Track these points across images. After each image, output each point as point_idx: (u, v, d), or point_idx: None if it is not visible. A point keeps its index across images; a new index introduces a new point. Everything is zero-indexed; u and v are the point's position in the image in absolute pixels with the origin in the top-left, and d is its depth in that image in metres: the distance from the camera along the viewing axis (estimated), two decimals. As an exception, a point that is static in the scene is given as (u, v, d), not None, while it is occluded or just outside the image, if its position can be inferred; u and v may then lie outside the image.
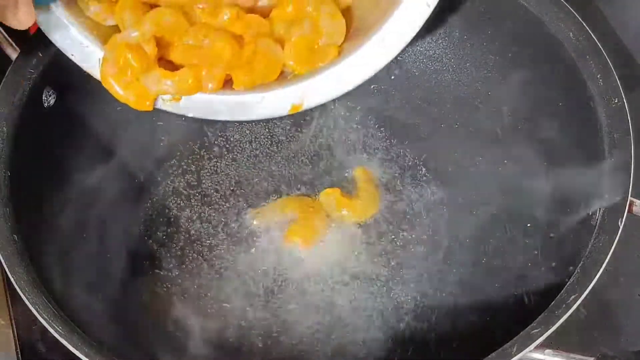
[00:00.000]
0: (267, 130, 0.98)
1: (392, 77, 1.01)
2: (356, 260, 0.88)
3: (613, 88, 0.76)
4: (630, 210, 0.70)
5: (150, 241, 0.91)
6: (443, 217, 0.91)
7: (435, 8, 0.69)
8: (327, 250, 0.88)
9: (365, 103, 0.99)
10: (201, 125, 0.98)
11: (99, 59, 0.70)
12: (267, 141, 0.98)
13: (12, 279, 0.67)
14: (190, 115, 0.72)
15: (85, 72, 0.78)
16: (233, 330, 0.84)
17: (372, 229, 0.90)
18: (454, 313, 0.84)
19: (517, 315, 0.76)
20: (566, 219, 0.79)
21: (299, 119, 0.99)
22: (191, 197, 0.94)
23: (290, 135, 0.98)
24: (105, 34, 0.71)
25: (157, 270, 0.88)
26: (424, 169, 0.95)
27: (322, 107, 0.79)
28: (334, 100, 0.72)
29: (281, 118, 0.98)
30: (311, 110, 0.73)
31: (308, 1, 0.71)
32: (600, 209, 0.71)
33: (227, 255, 0.89)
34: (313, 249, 0.88)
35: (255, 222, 0.90)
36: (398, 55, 0.69)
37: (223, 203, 0.93)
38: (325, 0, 0.71)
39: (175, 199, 0.94)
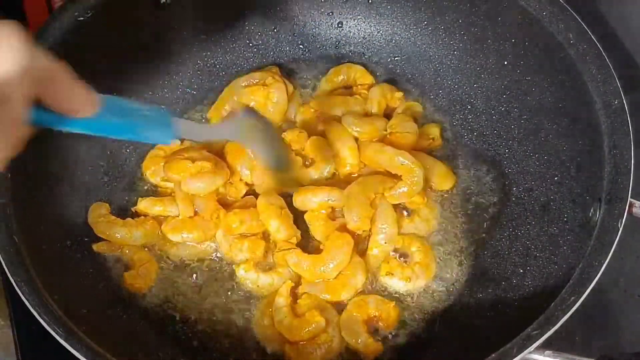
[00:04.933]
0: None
1: (393, 79, 1.01)
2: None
3: (613, 89, 0.76)
4: (630, 211, 0.70)
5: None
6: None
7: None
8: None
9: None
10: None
11: None
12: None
13: (12, 280, 0.67)
14: None
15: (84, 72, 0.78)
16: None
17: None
18: (454, 314, 0.84)
19: (517, 315, 0.76)
20: (566, 219, 0.80)
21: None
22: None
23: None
24: None
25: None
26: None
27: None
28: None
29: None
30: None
31: None
32: (600, 209, 0.71)
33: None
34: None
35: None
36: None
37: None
38: None
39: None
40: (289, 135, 0.93)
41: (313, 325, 0.80)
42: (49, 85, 0.48)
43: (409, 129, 0.92)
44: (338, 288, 0.84)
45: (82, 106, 0.52)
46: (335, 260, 0.83)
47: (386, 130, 0.92)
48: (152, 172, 0.92)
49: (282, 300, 0.82)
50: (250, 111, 0.79)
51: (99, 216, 0.87)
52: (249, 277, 0.85)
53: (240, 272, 0.85)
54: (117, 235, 0.86)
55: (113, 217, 0.87)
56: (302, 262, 0.83)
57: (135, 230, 0.87)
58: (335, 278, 0.84)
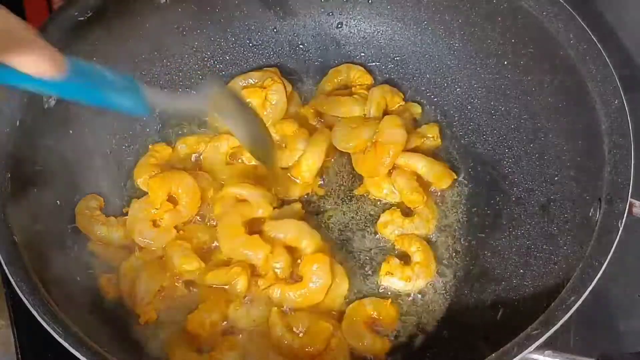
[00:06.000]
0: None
1: (393, 79, 1.01)
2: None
3: (613, 89, 0.76)
4: (630, 212, 0.70)
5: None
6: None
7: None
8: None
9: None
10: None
11: None
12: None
13: (12, 280, 0.67)
14: None
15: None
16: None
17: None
18: (454, 314, 0.84)
19: (517, 315, 0.76)
20: (566, 219, 0.80)
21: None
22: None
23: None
24: None
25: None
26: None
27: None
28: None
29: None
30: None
31: None
32: (600, 209, 0.71)
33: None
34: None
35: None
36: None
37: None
38: None
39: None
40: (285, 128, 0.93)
41: (323, 333, 0.79)
42: (11, 46, 0.49)
43: (392, 140, 0.89)
44: (327, 303, 0.83)
45: (47, 68, 0.52)
46: (317, 282, 0.82)
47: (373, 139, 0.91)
48: (143, 181, 0.91)
49: (279, 328, 0.80)
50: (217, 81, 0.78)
51: (86, 208, 0.86)
52: (241, 315, 0.81)
53: (231, 312, 0.81)
54: (97, 233, 0.85)
55: (97, 213, 0.86)
56: (288, 294, 0.82)
57: (115, 230, 0.86)
58: None
